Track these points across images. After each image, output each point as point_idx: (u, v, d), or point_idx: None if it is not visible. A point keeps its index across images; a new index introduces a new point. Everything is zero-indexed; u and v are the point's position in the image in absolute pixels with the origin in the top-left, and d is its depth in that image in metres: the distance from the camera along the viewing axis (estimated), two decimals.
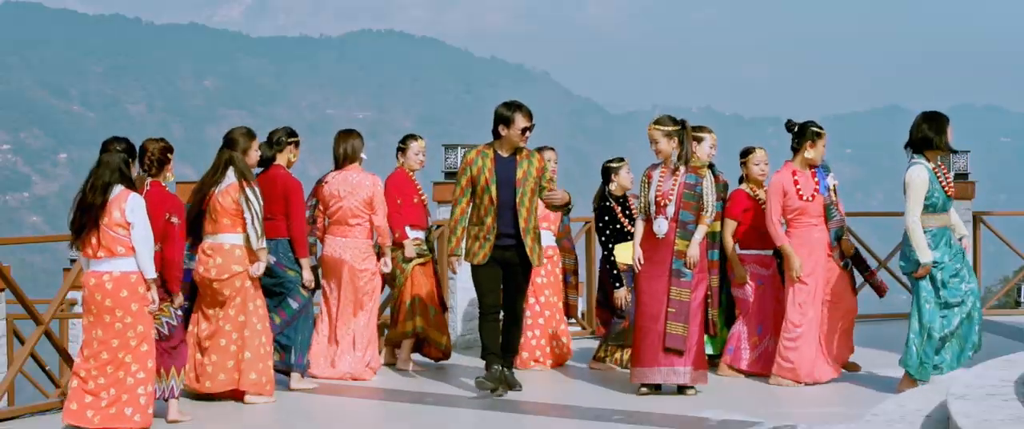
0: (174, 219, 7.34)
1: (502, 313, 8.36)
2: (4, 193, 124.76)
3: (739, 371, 8.88)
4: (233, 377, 7.94)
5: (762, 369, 8.79)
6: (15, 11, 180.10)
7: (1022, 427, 5.70)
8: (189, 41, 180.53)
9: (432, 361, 9.56)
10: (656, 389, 8.13)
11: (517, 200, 8.16)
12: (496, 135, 8.24)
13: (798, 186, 8.55)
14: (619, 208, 9.21)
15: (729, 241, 8.92)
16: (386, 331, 9.61)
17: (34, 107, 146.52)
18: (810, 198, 8.55)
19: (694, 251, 8.03)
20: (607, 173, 9.35)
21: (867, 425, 6.89)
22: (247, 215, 7.81)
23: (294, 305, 8.45)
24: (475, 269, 8.30)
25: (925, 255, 7.79)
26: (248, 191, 7.83)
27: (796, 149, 8.67)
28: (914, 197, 7.80)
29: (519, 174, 8.18)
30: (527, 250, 8.18)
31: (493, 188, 8.14)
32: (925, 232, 7.84)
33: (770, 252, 8.89)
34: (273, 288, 8.39)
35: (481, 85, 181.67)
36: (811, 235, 8.57)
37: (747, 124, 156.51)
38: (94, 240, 6.98)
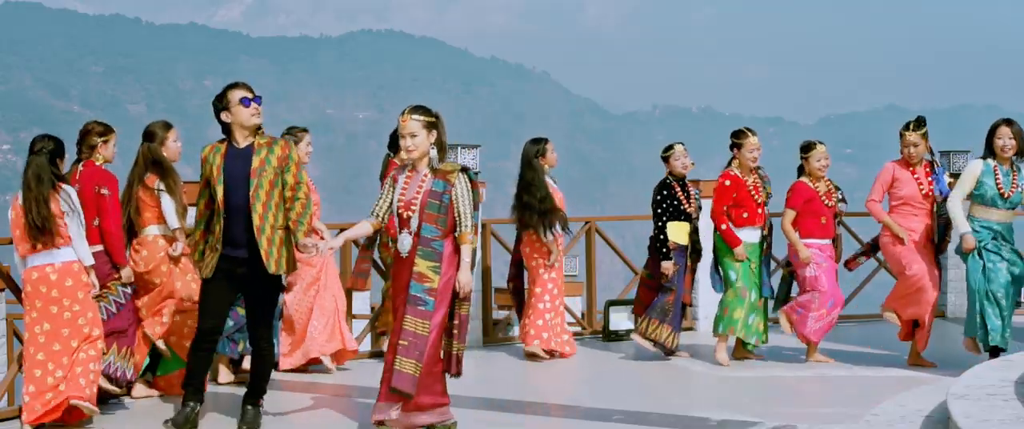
0: (104, 191, 7.57)
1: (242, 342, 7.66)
2: (4, 193, 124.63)
3: (801, 336, 9.29)
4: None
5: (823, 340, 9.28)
6: (15, 11, 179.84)
7: (1022, 427, 5.71)
8: (189, 41, 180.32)
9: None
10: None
11: (252, 194, 6.69)
12: (225, 127, 6.87)
13: (916, 176, 8.95)
14: (678, 187, 9.60)
15: (789, 227, 9.22)
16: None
17: (34, 107, 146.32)
18: (928, 194, 8.94)
19: (466, 277, 6.68)
20: (665, 162, 9.76)
21: (867, 425, 6.91)
22: (163, 203, 7.93)
23: None
24: (203, 283, 6.97)
25: (962, 226, 8.49)
26: (161, 183, 7.94)
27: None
28: (960, 183, 8.64)
29: (255, 164, 6.73)
30: (262, 255, 6.69)
31: (219, 189, 6.74)
32: (973, 220, 8.53)
33: (828, 241, 9.29)
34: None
35: (481, 85, 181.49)
36: (910, 222, 8.95)
37: (747, 124, 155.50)
38: (32, 237, 7.09)
